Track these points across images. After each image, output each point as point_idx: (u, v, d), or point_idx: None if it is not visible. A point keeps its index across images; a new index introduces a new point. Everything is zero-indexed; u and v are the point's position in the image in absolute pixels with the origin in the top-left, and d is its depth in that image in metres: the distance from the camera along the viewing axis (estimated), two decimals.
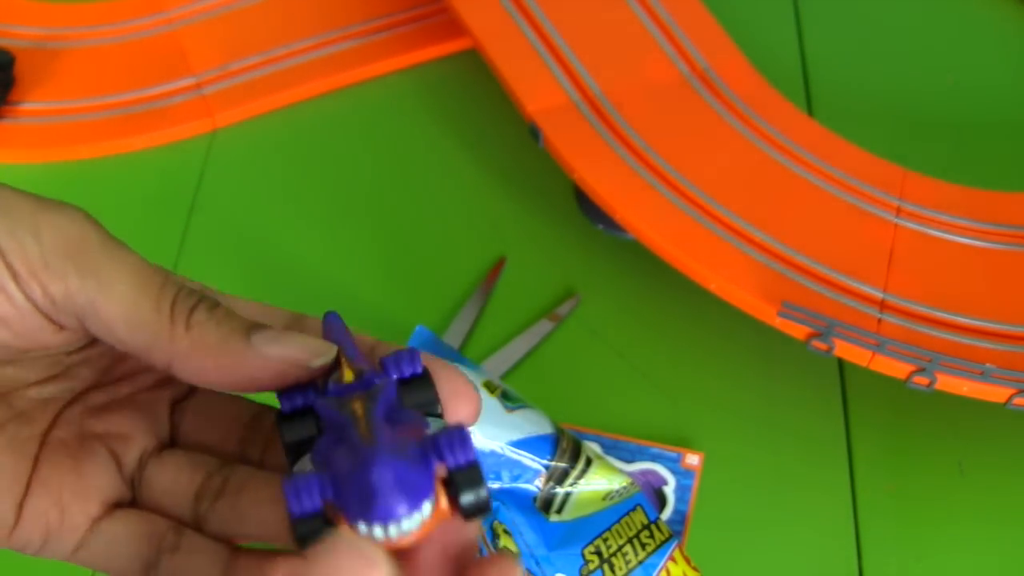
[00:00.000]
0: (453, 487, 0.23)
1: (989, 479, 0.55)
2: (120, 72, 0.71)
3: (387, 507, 0.22)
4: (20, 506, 0.26)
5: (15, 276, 0.24)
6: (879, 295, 0.53)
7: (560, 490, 0.49)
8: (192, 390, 0.30)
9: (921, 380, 0.50)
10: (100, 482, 0.27)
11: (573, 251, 0.63)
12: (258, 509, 0.27)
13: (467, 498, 0.23)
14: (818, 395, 0.57)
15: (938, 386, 0.50)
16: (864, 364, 0.51)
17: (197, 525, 0.28)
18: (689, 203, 0.56)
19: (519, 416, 0.49)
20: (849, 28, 0.76)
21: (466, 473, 0.23)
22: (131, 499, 0.28)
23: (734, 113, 0.61)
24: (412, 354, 0.27)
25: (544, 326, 0.59)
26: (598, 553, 0.48)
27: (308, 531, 0.22)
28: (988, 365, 0.49)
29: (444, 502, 0.23)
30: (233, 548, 0.27)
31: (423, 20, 0.74)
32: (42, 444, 0.27)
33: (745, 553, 0.52)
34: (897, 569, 0.51)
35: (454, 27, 0.69)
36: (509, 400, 0.50)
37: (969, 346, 0.51)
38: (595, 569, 0.47)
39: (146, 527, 0.27)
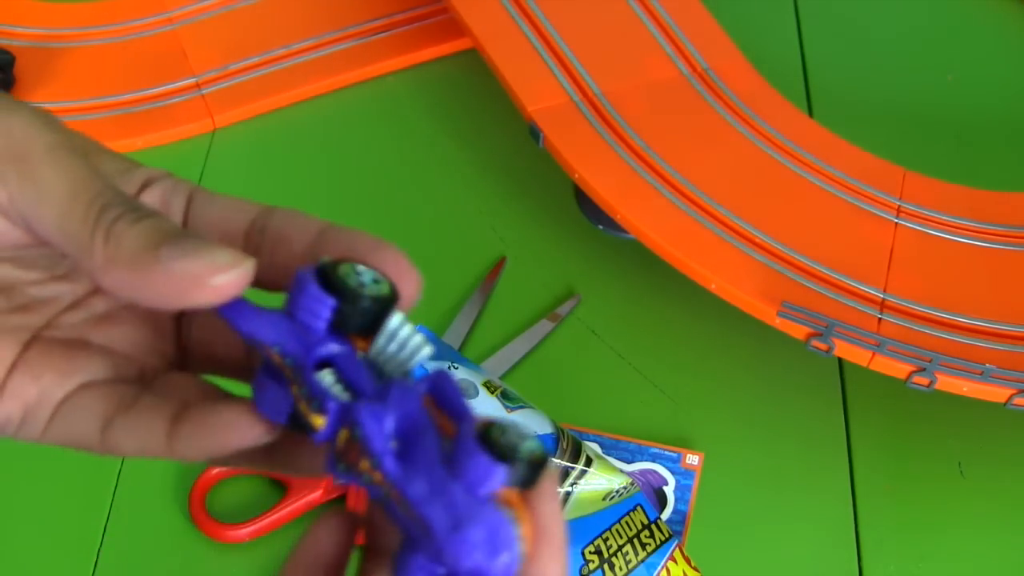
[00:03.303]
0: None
1: (989, 480, 0.55)
2: (120, 72, 0.71)
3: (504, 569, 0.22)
4: (2, 387, 0.27)
5: None
6: (879, 295, 0.53)
7: (560, 490, 0.49)
8: None
9: (921, 380, 0.50)
10: (86, 367, 0.27)
11: (573, 251, 0.63)
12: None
13: (525, 476, 0.23)
14: (818, 395, 0.57)
15: (938, 386, 0.50)
16: (864, 364, 0.51)
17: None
18: (689, 203, 0.56)
19: (519, 416, 0.49)
20: (849, 28, 0.76)
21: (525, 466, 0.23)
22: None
23: (734, 113, 0.61)
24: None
25: (544, 326, 0.59)
26: (598, 553, 0.48)
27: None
28: (988, 365, 0.49)
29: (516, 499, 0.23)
30: (184, 402, 0.27)
31: (423, 20, 0.74)
32: (35, 336, 0.27)
33: (745, 553, 0.52)
34: (896, 569, 0.51)
35: (454, 27, 0.69)
36: (509, 400, 0.50)
37: (969, 346, 0.51)
38: (595, 569, 0.47)
39: (108, 390, 0.27)
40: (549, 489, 0.23)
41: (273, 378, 0.25)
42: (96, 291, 0.29)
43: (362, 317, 0.24)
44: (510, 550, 0.22)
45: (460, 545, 0.22)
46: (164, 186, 0.28)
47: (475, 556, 0.22)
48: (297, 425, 0.25)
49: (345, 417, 0.24)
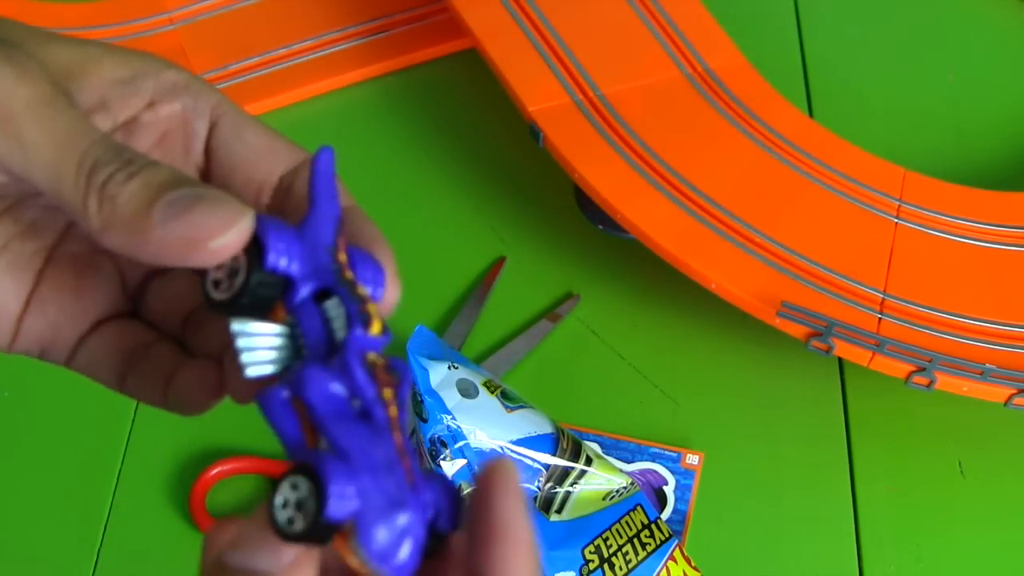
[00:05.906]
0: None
1: (989, 479, 0.55)
2: None
3: (404, 567, 0.22)
4: (17, 323, 0.27)
5: None
6: (879, 295, 0.53)
7: (560, 490, 0.49)
8: None
9: (921, 380, 0.50)
10: (96, 302, 0.28)
11: (573, 251, 0.63)
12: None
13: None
14: (818, 395, 0.57)
15: (938, 386, 0.50)
16: (864, 364, 0.51)
17: (181, 342, 0.29)
18: (689, 203, 0.56)
19: (519, 416, 0.49)
20: (849, 28, 0.76)
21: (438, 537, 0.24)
22: (131, 311, 0.29)
23: (734, 113, 0.61)
24: (377, 273, 0.25)
25: (544, 326, 0.59)
26: (598, 553, 0.48)
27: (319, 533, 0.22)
28: (988, 365, 0.49)
29: None
30: (190, 356, 0.28)
31: (422, 20, 0.74)
32: (48, 259, 0.27)
33: (745, 553, 0.52)
34: (896, 569, 0.51)
35: (454, 27, 0.69)
36: (509, 400, 0.50)
37: (969, 346, 0.51)
38: (595, 569, 0.47)
39: (123, 342, 0.28)
40: (505, 484, 0.23)
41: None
42: None
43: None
44: (416, 567, 0.23)
45: (419, 529, 0.23)
46: (183, 103, 0.27)
47: (415, 549, 0.22)
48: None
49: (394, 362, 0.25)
